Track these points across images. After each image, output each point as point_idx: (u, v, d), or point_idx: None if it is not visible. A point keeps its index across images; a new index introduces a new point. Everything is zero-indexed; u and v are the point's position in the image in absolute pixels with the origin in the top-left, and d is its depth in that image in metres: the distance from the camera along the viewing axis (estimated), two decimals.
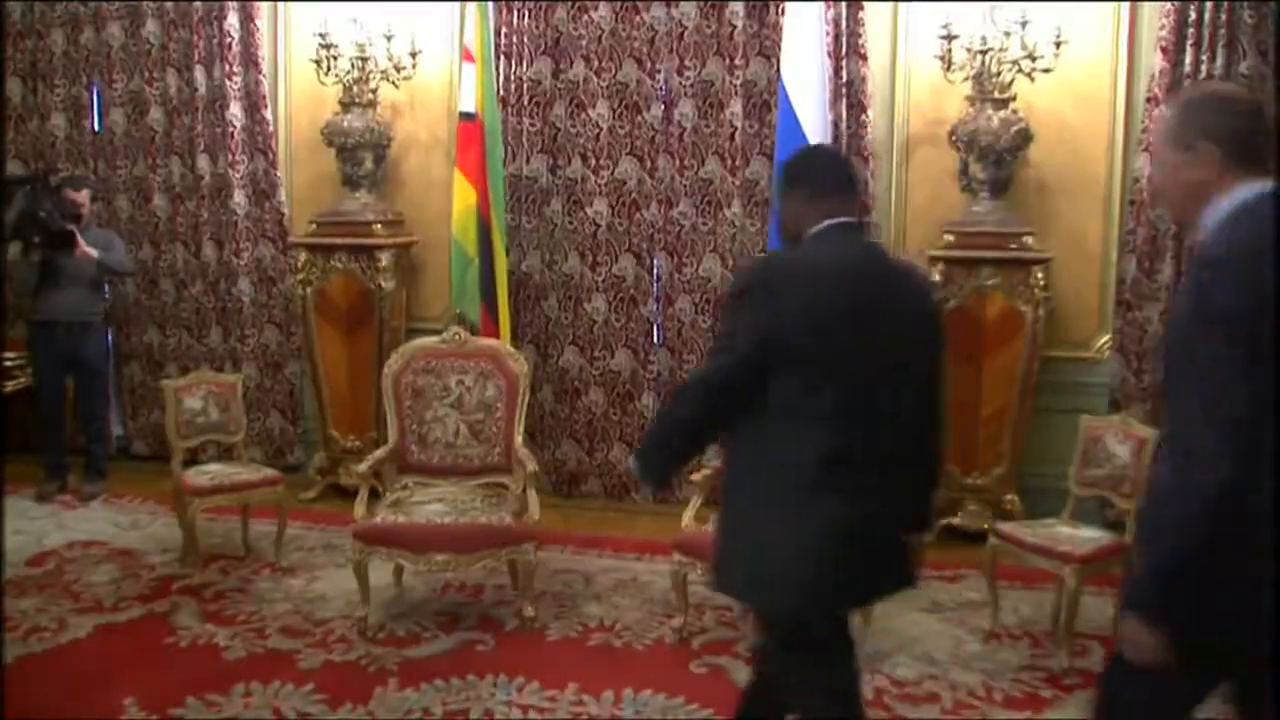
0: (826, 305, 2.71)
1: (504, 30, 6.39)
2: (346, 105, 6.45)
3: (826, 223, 2.84)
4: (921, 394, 2.89)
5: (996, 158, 5.57)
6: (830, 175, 2.95)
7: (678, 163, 6.24)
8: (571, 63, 6.35)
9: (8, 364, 6.85)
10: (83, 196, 6.42)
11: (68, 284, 6.34)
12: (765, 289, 2.75)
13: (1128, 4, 5.72)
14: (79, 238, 6.20)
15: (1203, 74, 5.49)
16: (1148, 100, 5.63)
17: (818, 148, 3.55)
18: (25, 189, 6.36)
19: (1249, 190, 2.34)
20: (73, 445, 6.77)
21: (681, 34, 6.17)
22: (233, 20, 6.79)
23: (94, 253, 6.26)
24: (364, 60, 6.41)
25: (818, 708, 2.89)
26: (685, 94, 6.20)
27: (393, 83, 6.50)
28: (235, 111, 6.86)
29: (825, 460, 2.69)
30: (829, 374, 2.69)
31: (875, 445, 2.75)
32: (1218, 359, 2.21)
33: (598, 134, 6.34)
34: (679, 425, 2.88)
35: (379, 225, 6.44)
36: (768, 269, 2.95)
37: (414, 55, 6.44)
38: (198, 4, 6.85)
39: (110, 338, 7.07)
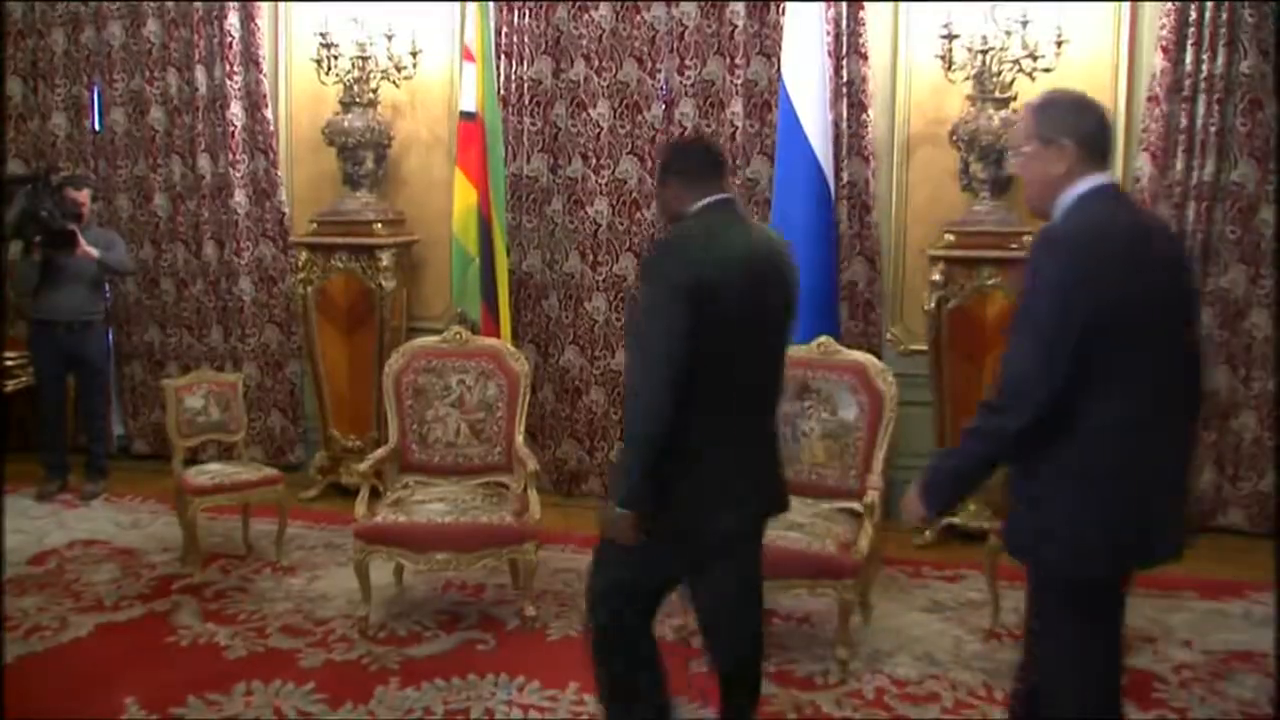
0: (728, 268, 3.01)
1: (504, 30, 6.39)
2: (347, 104, 6.45)
3: (705, 200, 3.15)
4: (782, 354, 3.30)
5: (997, 157, 5.56)
6: (700, 158, 3.26)
7: None
8: (572, 62, 6.34)
9: (9, 363, 6.85)
10: (83, 196, 6.42)
11: (69, 283, 6.34)
12: (679, 262, 3.00)
13: (1128, 3, 5.72)
14: (80, 237, 6.20)
15: (1204, 73, 5.50)
16: (1148, 100, 5.64)
17: (685, 138, 3.83)
18: (26, 188, 6.36)
19: (1094, 181, 2.69)
20: (73, 444, 6.78)
21: (682, 33, 6.17)
22: (233, 20, 6.79)
23: (95, 252, 6.26)
24: (364, 59, 6.40)
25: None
26: (686, 93, 6.19)
27: (393, 82, 6.50)
28: (236, 111, 6.86)
29: (737, 410, 3.10)
30: (735, 333, 3.01)
31: (767, 395, 3.23)
32: (1044, 319, 2.57)
33: (598, 133, 6.34)
34: (655, 438, 2.98)
35: (380, 224, 6.44)
36: (677, 244, 3.15)
37: (415, 54, 6.43)
38: (198, 3, 6.85)
39: (111, 337, 7.07)
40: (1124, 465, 2.63)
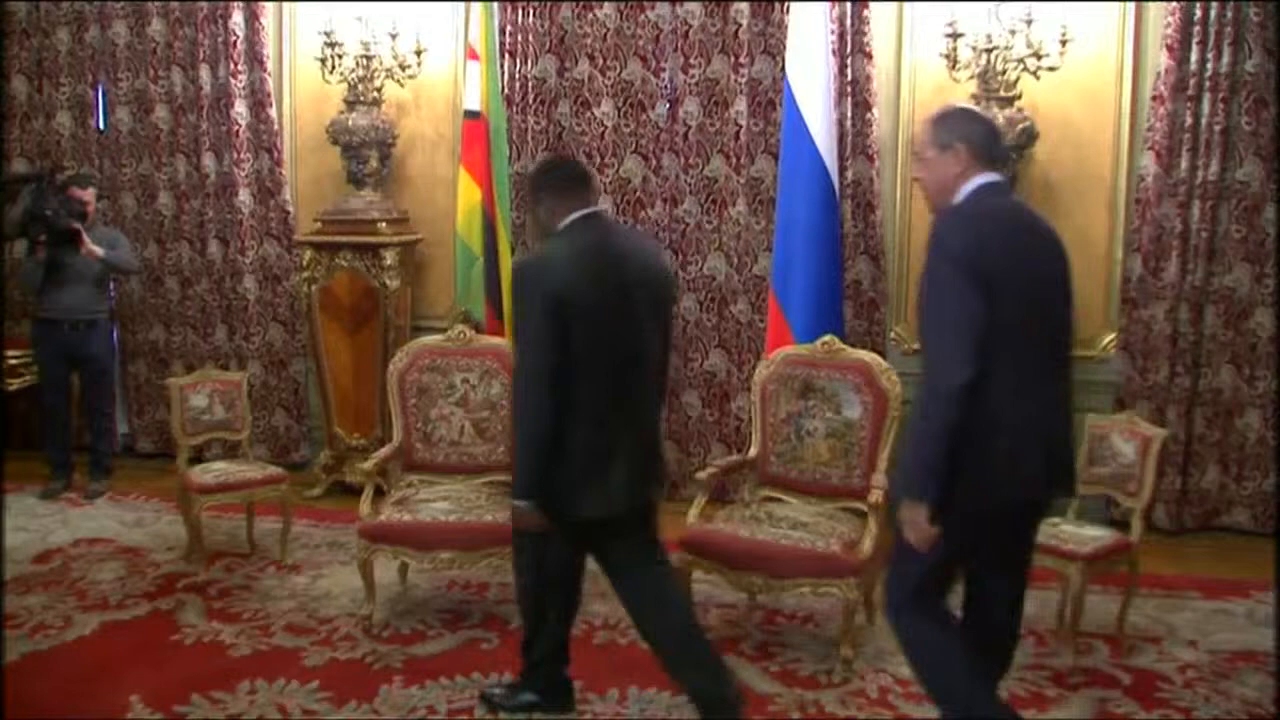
0: (592, 280, 3.40)
1: (509, 28, 6.39)
2: (351, 103, 6.45)
3: (574, 215, 3.51)
4: (665, 341, 3.70)
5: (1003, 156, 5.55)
6: (568, 176, 3.62)
7: (683, 161, 6.24)
8: (576, 61, 6.34)
9: (13, 362, 6.86)
10: (88, 194, 6.42)
11: (73, 282, 6.35)
12: (542, 279, 3.38)
13: (1133, 3, 5.71)
14: (84, 236, 6.21)
15: (1208, 72, 5.50)
16: (1153, 99, 5.63)
17: (552, 157, 4.06)
18: (31, 187, 6.36)
19: (986, 178, 3.15)
20: (78, 443, 6.78)
21: (686, 32, 6.17)
22: (238, 19, 6.79)
23: (100, 251, 6.26)
24: (369, 58, 6.40)
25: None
26: (690, 92, 6.20)
27: (398, 81, 6.50)
28: (240, 110, 6.87)
29: (609, 404, 3.45)
30: (603, 336, 3.39)
31: (639, 387, 3.56)
32: (953, 286, 2.95)
33: (602, 132, 6.34)
34: (539, 438, 3.40)
35: (384, 223, 6.44)
36: (541, 262, 3.53)
37: (419, 53, 6.44)
38: (203, 2, 6.84)
39: (115, 335, 7.07)
40: (1013, 421, 3.01)
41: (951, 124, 3.21)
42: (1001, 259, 2.99)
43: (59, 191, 6.34)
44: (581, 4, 6.30)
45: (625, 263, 3.52)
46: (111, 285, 6.78)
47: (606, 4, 6.25)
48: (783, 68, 5.74)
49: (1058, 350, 3.17)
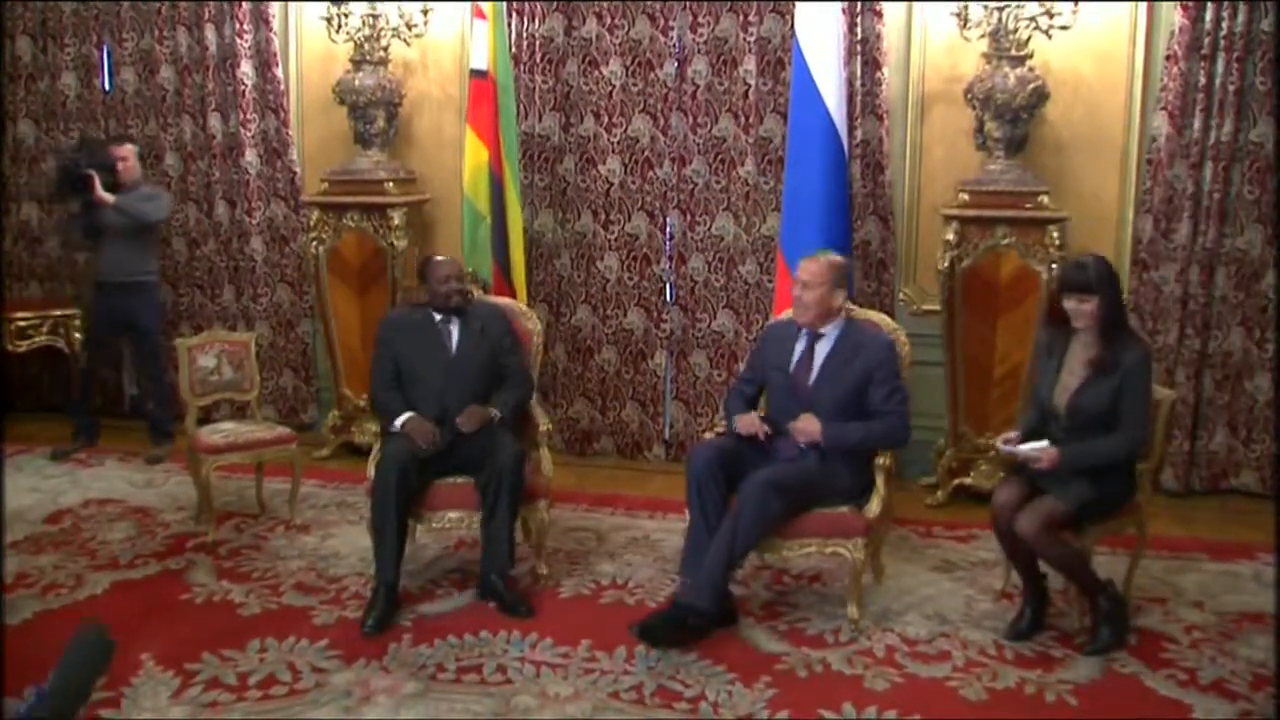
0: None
1: None
2: (358, 63, 6.41)
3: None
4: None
5: (1012, 116, 5.50)
6: None
7: (691, 120, 6.20)
8: (584, 19, 6.29)
9: (21, 324, 6.83)
10: (124, 151, 6.34)
11: (110, 242, 6.31)
12: None
13: None
14: (95, 181, 6.15)
15: (1223, 31, 5.43)
16: (1167, 58, 5.57)
17: None
18: (64, 149, 6.35)
19: None
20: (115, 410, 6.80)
21: None
22: None
23: (109, 198, 6.18)
24: (375, 17, 6.36)
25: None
26: (699, 51, 6.15)
27: (404, 40, 6.46)
28: (246, 70, 6.83)
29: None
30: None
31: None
32: None
33: (610, 91, 6.30)
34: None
35: (391, 183, 6.42)
36: None
37: (425, 12, 6.39)
38: None
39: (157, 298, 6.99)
40: None
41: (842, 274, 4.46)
42: None
43: (94, 152, 6.32)
44: None
45: None
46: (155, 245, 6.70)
47: None
48: (792, 26, 5.69)
49: None
